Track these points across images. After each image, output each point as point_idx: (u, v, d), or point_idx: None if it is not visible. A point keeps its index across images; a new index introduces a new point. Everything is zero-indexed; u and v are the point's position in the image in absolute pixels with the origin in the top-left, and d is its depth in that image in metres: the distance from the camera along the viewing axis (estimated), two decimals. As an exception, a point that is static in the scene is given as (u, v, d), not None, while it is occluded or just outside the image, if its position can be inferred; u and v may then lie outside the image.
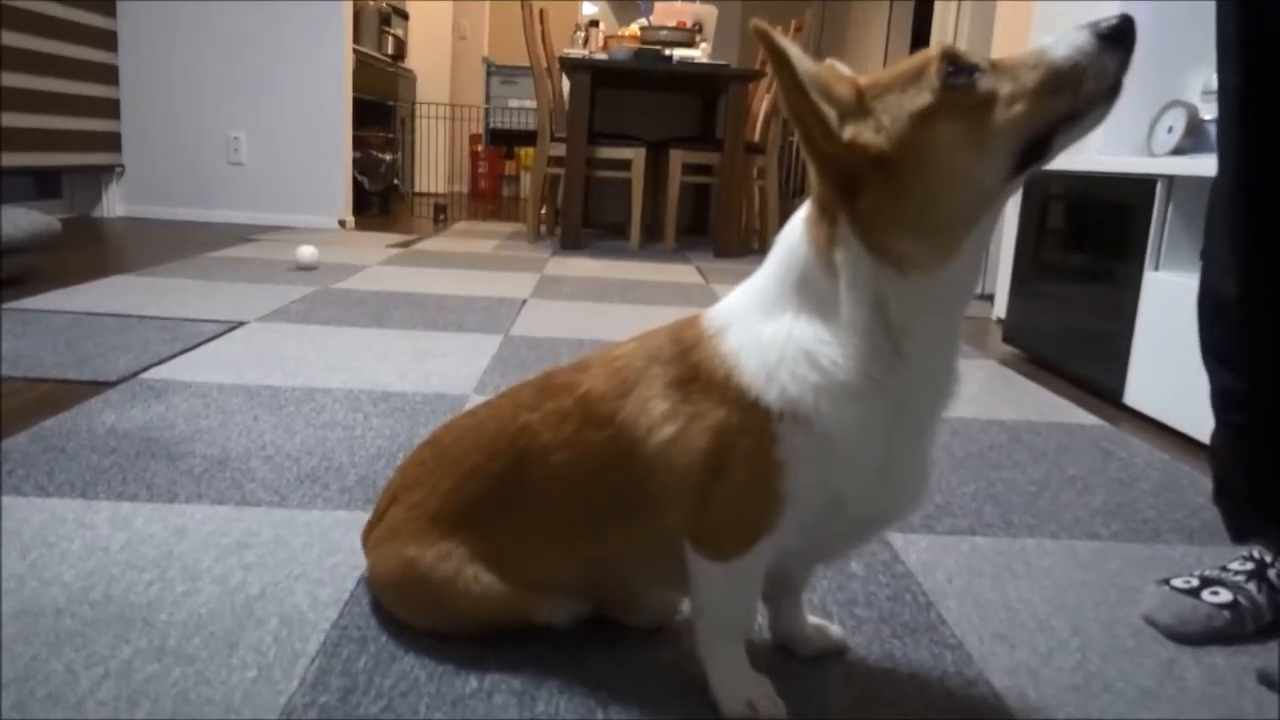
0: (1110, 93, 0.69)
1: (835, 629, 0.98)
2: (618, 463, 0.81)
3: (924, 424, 0.78)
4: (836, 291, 0.73)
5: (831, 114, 0.70)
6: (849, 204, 0.72)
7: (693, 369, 0.79)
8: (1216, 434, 1.14)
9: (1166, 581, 1.10)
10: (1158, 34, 2.32)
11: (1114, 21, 0.68)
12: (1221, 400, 1.11)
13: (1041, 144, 0.70)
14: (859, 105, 0.71)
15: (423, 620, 0.94)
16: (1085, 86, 0.68)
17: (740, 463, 0.75)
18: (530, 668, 0.89)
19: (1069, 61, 0.68)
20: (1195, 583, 1.08)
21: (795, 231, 0.77)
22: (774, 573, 0.86)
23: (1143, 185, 2.06)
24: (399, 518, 0.94)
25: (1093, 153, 2.40)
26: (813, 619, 0.97)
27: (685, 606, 0.98)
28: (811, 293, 0.74)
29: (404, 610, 0.95)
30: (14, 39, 3.67)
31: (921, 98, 0.69)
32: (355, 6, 5.04)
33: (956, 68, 0.69)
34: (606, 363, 0.85)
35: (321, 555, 1.10)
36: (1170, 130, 2.28)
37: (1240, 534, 1.13)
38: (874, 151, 0.70)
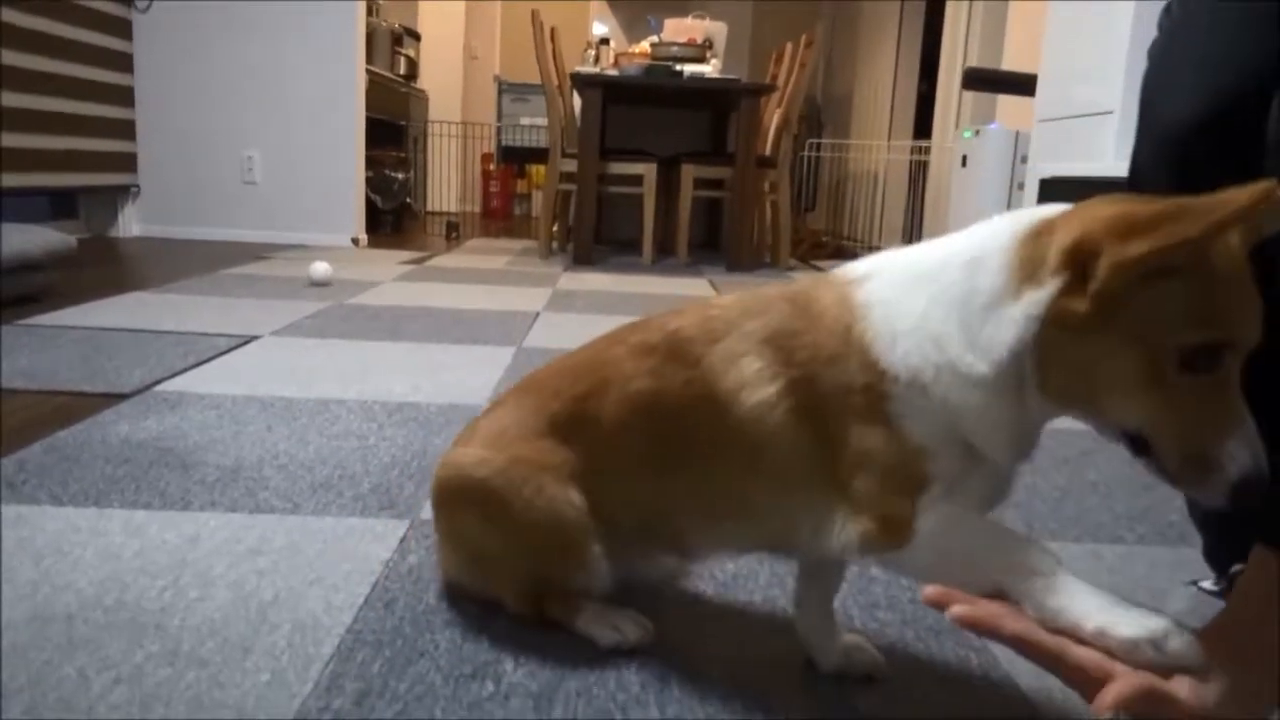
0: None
1: (871, 648, 0.92)
2: (691, 405, 0.80)
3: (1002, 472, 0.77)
4: (996, 317, 0.67)
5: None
6: (1075, 296, 0.63)
7: (809, 319, 0.76)
8: None
9: (1195, 583, 1.07)
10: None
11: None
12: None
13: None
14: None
15: (473, 530, 0.94)
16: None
17: (858, 421, 0.72)
18: (548, 672, 0.87)
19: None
20: (1225, 584, 1.05)
21: (1002, 240, 0.68)
22: (805, 562, 0.86)
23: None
24: (480, 427, 0.96)
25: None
26: (850, 635, 0.93)
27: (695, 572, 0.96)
28: (974, 300, 0.69)
29: (459, 516, 0.95)
30: (31, 61, 3.72)
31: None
32: (368, 27, 5.09)
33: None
34: (701, 310, 0.85)
35: (336, 561, 1.09)
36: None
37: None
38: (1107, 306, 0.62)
